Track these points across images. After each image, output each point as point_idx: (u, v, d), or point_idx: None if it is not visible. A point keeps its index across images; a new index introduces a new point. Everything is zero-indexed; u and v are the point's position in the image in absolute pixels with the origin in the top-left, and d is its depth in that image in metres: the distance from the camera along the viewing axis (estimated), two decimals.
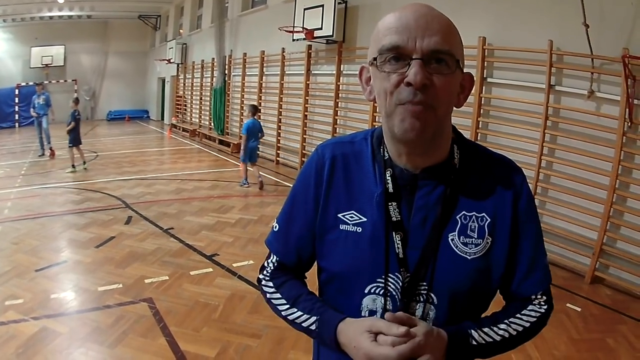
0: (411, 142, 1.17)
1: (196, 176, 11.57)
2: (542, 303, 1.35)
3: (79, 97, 12.03)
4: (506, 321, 1.30)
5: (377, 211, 1.26)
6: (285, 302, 1.39)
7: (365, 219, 1.28)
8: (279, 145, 13.13)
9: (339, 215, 1.31)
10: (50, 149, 13.91)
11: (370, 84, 1.25)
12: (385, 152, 1.29)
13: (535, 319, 1.33)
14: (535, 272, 1.32)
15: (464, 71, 1.23)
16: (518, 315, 1.32)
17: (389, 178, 1.27)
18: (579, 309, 4.88)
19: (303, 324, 1.33)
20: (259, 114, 11.51)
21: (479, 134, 7.13)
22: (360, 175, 1.32)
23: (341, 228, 1.30)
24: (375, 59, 1.17)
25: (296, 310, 1.35)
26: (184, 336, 4.13)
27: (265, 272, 1.49)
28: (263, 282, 1.48)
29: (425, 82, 1.10)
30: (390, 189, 1.26)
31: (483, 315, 1.34)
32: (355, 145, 1.37)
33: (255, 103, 13.93)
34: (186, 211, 8.25)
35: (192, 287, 5.16)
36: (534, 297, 1.34)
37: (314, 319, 1.30)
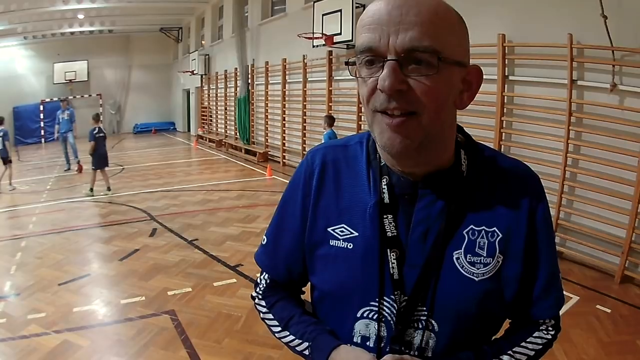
0: (396, 155, 1.03)
1: (222, 186, 11.62)
2: (550, 328, 1.21)
3: (99, 114, 11.07)
4: (510, 352, 1.17)
5: (370, 225, 1.12)
6: (277, 323, 1.30)
7: (356, 234, 1.14)
8: (303, 153, 13.04)
9: (329, 229, 1.17)
10: (78, 162, 14.12)
11: None
12: (382, 158, 1.14)
13: (540, 347, 1.20)
14: (549, 296, 1.17)
15: (471, 64, 1.05)
16: (523, 344, 1.19)
17: (385, 186, 1.11)
18: (608, 311, 4.73)
19: (297, 348, 1.23)
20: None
21: (504, 133, 6.99)
22: (352, 183, 1.17)
23: (331, 243, 1.17)
24: (352, 62, 1.04)
25: (288, 333, 1.26)
26: (205, 348, 4.11)
27: (258, 290, 1.38)
28: (256, 301, 1.38)
29: (400, 88, 0.94)
30: (386, 199, 1.11)
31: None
32: (349, 149, 1.22)
33: (280, 111, 14.01)
34: (211, 222, 8.26)
35: (215, 298, 5.14)
36: (542, 321, 1.21)
37: (306, 344, 1.21)
